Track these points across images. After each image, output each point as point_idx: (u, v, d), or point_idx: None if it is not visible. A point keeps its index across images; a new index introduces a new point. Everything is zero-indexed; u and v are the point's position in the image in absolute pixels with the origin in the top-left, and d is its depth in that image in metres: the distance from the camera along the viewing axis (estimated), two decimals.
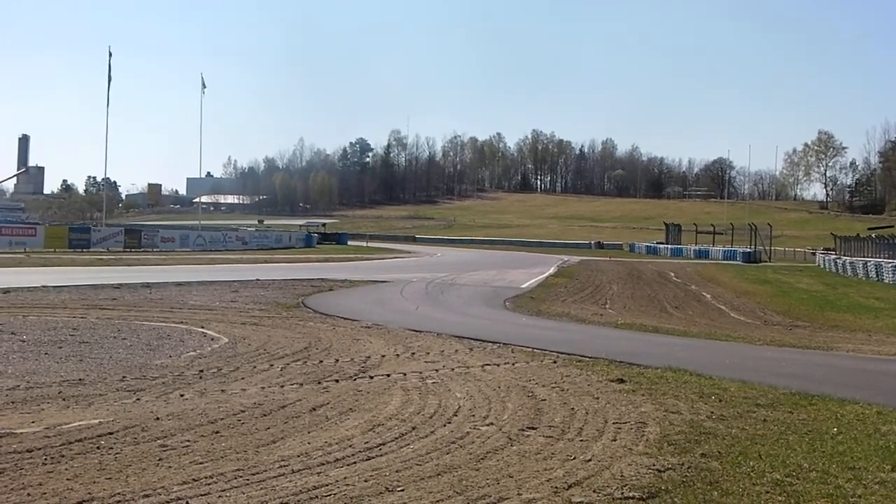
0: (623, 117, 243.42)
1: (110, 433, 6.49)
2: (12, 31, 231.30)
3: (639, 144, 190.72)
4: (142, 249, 49.40)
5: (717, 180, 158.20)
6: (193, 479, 5.36)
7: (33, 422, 6.85)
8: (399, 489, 5.28)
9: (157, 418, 7.04)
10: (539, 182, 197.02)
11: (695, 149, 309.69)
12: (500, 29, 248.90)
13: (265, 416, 7.30)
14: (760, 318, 22.80)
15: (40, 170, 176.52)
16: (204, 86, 64.54)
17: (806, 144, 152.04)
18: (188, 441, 6.33)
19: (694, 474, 5.70)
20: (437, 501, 5.11)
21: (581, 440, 6.67)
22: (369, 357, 11.04)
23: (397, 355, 11.29)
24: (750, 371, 10.42)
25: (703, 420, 7.45)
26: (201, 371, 9.60)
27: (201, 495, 5.07)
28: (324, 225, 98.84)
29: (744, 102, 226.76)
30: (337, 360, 10.67)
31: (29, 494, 5.04)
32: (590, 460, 6.05)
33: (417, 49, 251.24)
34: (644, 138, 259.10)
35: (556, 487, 5.39)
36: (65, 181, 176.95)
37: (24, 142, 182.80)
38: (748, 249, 68.14)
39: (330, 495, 5.13)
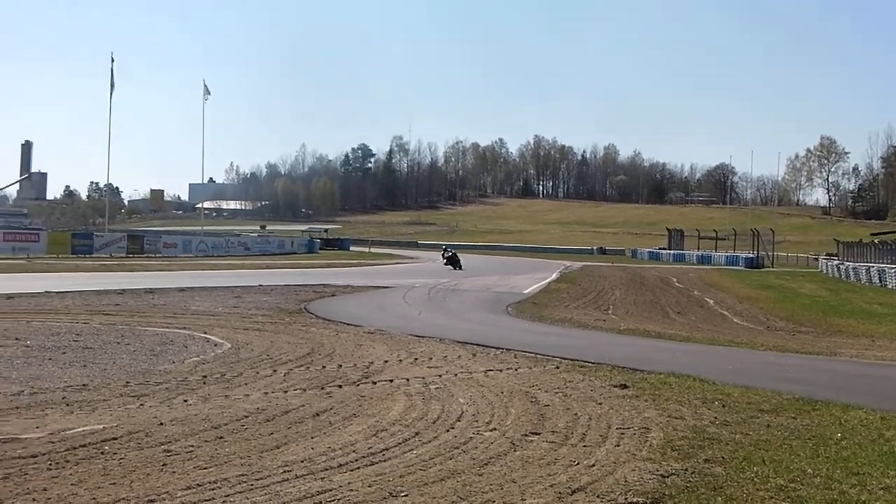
0: (625, 122, 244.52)
1: (114, 438, 6.51)
2: (15, 38, 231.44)
3: (641, 150, 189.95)
4: (144, 255, 49.47)
5: (719, 186, 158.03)
6: (197, 485, 5.37)
7: (37, 427, 6.87)
8: (402, 494, 5.28)
9: (161, 424, 7.05)
10: (541, 188, 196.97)
11: (697, 154, 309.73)
12: (502, 34, 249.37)
13: (268, 421, 7.31)
14: (763, 323, 22.73)
15: (43, 176, 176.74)
16: (208, 92, 64.27)
17: (808, 150, 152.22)
18: (192, 446, 6.34)
19: (698, 480, 5.70)
20: None
21: (584, 446, 6.67)
22: (372, 362, 11.04)
23: (400, 360, 11.29)
24: (753, 376, 10.41)
25: (706, 425, 7.45)
26: (205, 376, 9.60)
27: (205, 500, 5.08)
28: (326, 230, 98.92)
29: (746, 108, 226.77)
30: (340, 366, 10.68)
31: (34, 500, 5.06)
32: (593, 466, 6.05)
33: (419, 54, 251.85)
34: (646, 144, 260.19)
35: (560, 493, 5.39)
36: (67, 187, 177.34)
37: (26, 148, 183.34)
38: (751, 255, 68.19)
39: (334, 500, 5.14)
